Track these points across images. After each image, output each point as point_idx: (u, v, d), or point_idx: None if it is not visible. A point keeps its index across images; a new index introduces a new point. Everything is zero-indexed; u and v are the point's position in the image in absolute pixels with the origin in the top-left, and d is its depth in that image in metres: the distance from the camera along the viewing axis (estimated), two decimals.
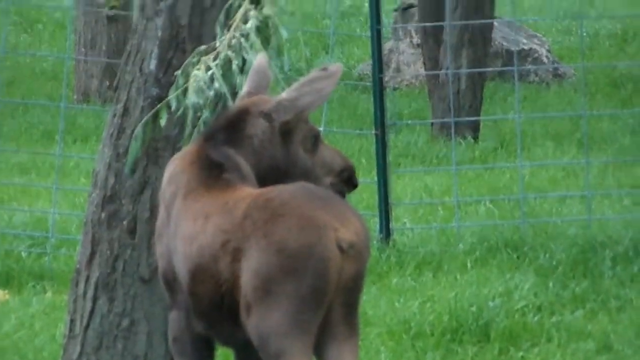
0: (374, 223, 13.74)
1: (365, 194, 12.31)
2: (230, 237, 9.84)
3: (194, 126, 10.13)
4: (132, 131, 11.51)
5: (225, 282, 9.96)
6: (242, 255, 9.66)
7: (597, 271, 17.45)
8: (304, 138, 10.59)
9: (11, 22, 40.40)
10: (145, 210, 10.56)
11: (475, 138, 30.73)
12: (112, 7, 24.07)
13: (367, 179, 12.75)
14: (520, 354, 15.00)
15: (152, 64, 11.07)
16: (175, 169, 10.40)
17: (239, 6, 10.42)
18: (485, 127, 31.94)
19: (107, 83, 24.38)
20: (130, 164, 11.40)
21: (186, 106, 10.14)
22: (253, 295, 9.55)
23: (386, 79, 20.72)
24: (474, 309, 15.55)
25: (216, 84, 10.02)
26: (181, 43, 10.88)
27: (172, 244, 10.31)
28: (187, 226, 10.13)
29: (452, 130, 25.94)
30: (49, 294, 12.85)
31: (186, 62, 10.78)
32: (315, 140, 10.59)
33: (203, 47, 11.17)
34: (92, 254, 11.11)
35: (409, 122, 30.85)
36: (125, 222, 10.99)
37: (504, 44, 40.73)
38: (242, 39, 9.98)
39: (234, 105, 10.05)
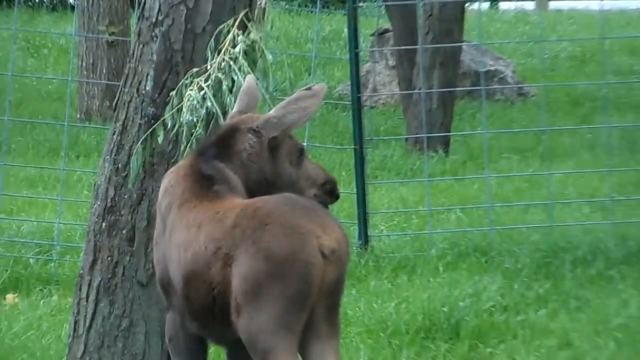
0: (354, 230, 13.86)
1: (346, 204, 12.43)
2: (221, 245, 10.22)
3: (187, 142, 10.39)
4: (130, 147, 11.96)
5: (217, 285, 10.31)
6: (232, 261, 10.06)
7: (559, 273, 17.46)
8: (289, 153, 10.84)
9: (19, 47, 42.12)
10: (142, 220, 10.70)
11: (447, 152, 31.16)
12: (111, 34, 23.97)
13: (347, 190, 12.77)
14: (489, 350, 14.94)
15: (148, 85, 11.20)
16: (170, 181, 10.78)
17: (228, 32, 11.03)
18: (456, 142, 32.44)
19: (107, 103, 24.69)
20: (133, 179, 11.96)
21: (181, 124, 10.43)
22: (243, 297, 9.87)
23: (364, 98, 20.92)
24: (445, 309, 15.44)
25: (208, 103, 10.36)
26: (175, 66, 10.92)
27: (168, 252, 10.73)
28: (181, 235, 10.52)
29: (425, 145, 26.62)
30: (55, 297, 13.03)
31: (180, 83, 11.27)
32: (300, 154, 10.79)
33: (195, 69, 11.61)
34: (94, 261, 11.24)
35: (385, 137, 31.22)
36: (124, 231, 11.11)
37: (472, 65, 41.27)
38: (231, 62, 10.35)
39: (224, 122, 10.03)
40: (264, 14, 10.68)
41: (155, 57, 11.13)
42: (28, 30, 47.76)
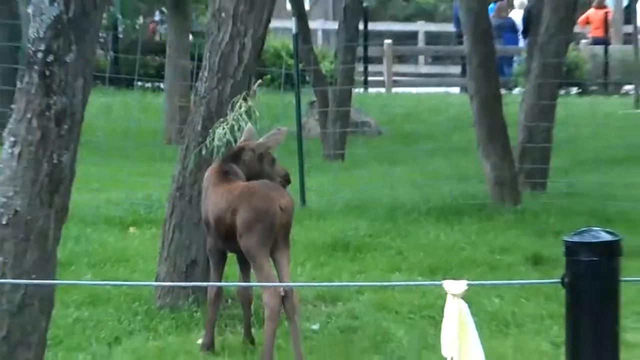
0: (297, 198, 14.07)
1: (294, 185, 12.50)
2: (231, 204, 11.05)
3: (216, 155, 10.97)
4: (190, 157, 12.02)
5: (229, 224, 11.02)
6: (237, 212, 10.93)
7: (396, 217, 15.63)
8: (267, 160, 11.42)
9: None
10: (195, 191, 11.49)
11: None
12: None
13: (294, 177, 12.92)
14: (369, 255, 14.18)
15: (198, 126, 11.88)
16: (209, 173, 11.54)
17: (237, 100, 11.23)
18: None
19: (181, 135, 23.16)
20: (191, 170, 11.90)
21: (213, 146, 10.92)
22: (242, 230, 10.84)
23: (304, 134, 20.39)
24: (342, 235, 13.47)
25: (228, 136, 10.94)
26: (211, 117, 11.64)
27: (207, 207, 11.51)
28: (213, 199, 11.37)
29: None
30: (153, 230, 13.27)
31: (214, 125, 11.28)
32: (272, 161, 11.53)
33: (222, 119, 11.48)
34: (172, 212, 11.99)
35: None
36: (186, 198, 11.86)
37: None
38: (240, 117, 10.95)
39: (236, 145, 10.84)
40: (254, 93, 11.33)
41: (202, 113, 11.75)
42: None
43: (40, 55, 6.82)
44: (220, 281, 11.23)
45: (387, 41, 33.55)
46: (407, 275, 12.32)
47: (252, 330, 10.81)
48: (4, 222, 6.81)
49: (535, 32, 18.76)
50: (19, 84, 6.96)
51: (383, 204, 15.16)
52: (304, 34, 22.69)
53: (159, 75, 26.80)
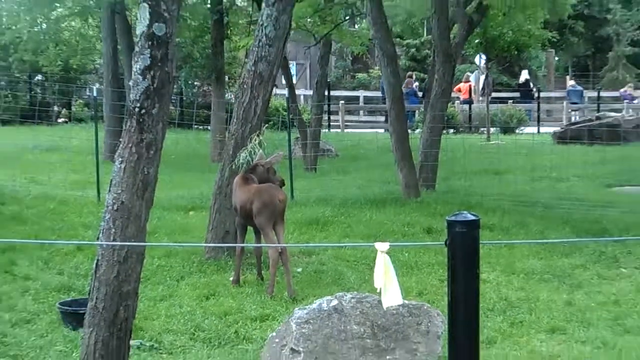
0: (289, 194, 13.40)
1: (287, 186, 11.97)
2: (250, 198, 10.65)
3: (241, 168, 10.65)
4: (226, 168, 11.50)
5: (249, 209, 10.62)
6: (253, 203, 10.53)
7: (349, 207, 14.43)
8: (271, 171, 10.99)
9: None
10: (228, 190, 11.13)
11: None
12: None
13: (288, 181, 12.33)
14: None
15: (230, 152, 11.56)
16: (236, 179, 11.07)
17: (253, 136, 10.92)
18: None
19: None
20: (226, 178, 11.39)
21: (239, 164, 10.60)
22: (256, 213, 10.47)
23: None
24: (319, 216, 13.27)
25: (248, 158, 10.64)
26: (238, 147, 11.32)
27: (235, 199, 11.00)
28: (239, 195, 10.90)
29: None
30: (203, 213, 12.55)
31: (239, 151, 10.93)
32: (274, 172, 11.11)
33: (244, 147, 10.91)
34: (214, 202, 11.56)
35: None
36: (223, 193, 11.47)
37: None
38: (255, 146, 10.63)
39: (252, 163, 10.60)
40: (263, 132, 10.99)
41: (232, 144, 11.37)
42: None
43: (137, 109, 6.82)
44: (243, 243, 11.00)
45: (342, 101, 33.46)
46: (353, 240, 12.20)
47: (262, 271, 10.65)
48: (115, 209, 6.79)
49: (429, 96, 18.67)
50: (124, 127, 6.99)
51: (339, 198, 14.84)
52: (292, 97, 22.37)
53: (207, 121, 26.46)
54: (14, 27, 29.92)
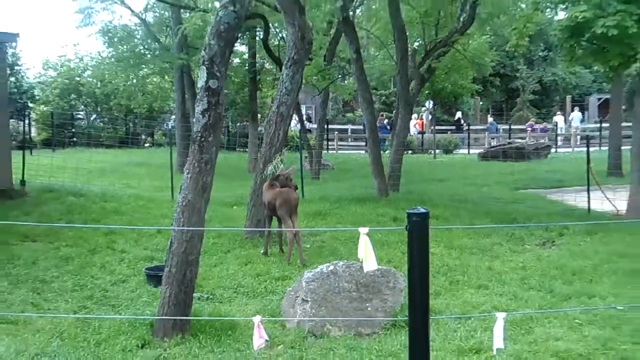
0: (301, 194, 12.79)
1: (300, 190, 11.35)
2: (275, 197, 10.15)
3: (269, 177, 10.36)
4: (258, 178, 11.09)
5: (273, 205, 10.12)
6: (276, 200, 10.08)
7: (340, 204, 14.39)
8: (289, 179, 10.40)
9: None
10: (260, 191, 10.77)
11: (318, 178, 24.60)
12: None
13: (300, 186, 11.79)
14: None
15: (261, 165, 11.17)
16: (265, 184, 10.59)
17: (277, 156, 10.63)
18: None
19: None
20: (258, 184, 10.89)
21: (267, 174, 10.35)
22: (278, 207, 10.02)
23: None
24: (322, 208, 13.19)
25: (273, 170, 10.37)
26: (267, 162, 11.05)
27: (264, 198, 10.48)
28: (267, 195, 10.40)
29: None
30: (242, 207, 11.79)
31: (267, 166, 10.57)
32: (291, 179, 10.47)
33: (270, 163, 10.57)
34: (250, 199, 11.11)
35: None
36: (256, 194, 11.06)
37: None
38: (277, 162, 10.36)
39: (276, 174, 10.27)
40: (284, 153, 10.58)
41: (262, 161, 11.08)
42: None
43: (198, 138, 6.78)
44: (269, 228, 10.52)
45: (336, 132, 33.25)
46: (344, 225, 11.95)
47: (282, 247, 10.38)
48: (184, 204, 6.74)
49: (394, 129, 18.24)
50: (190, 149, 6.93)
51: (334, 197, 14.47)
52: (303, 129, 22.07)
53: (245, 145, 25.89)
54: (113, 81, 31.04)
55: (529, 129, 35.45)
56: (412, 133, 32.14)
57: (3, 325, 6.52)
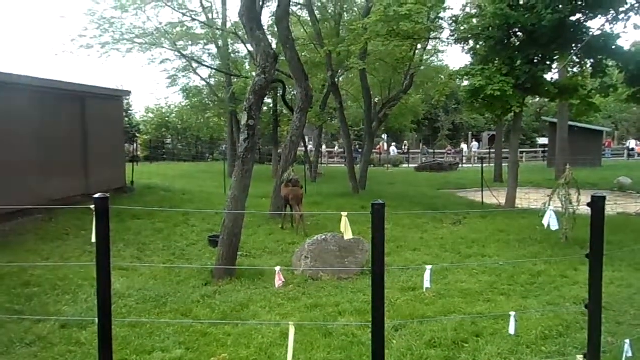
0: (305, 191, 12.27)
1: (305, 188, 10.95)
2: (288, 193, 9.77)
3: (285, 180, 9.97)
4: (278, 181, 10.62)
5: (287, 197, 9.73)
6: (289, 195, 9.74)
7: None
8: (297, 182, 9.87)
9: None
10: (279, 189, 10.57)
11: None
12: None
13: (305, 186, 11.03)
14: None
15: (280, 173, 10.68)
16: (282, 185, 10.00)
17: (290, 168, 10.26)
18: None
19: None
20: (278, 184, 10.39)
21: (284, 179, 9.92)
22: (290, 200, 9.68)
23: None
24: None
25: (287, 176, 10.00)
26: (285, 171, 10.96)
27: (282, 194, 9.97)
28: (283, 192, 9.96)
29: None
30: (268, 199, 11.48)
31: (284, 174, 10.20)
32: (298, 182, 9.93)
33: (286, 172, 10.23)
34: (273, 192, 10.67)
35: None
36: (277, 190, 10.57)
37: None
38: (290, 171, 10.06)
39: (289, 179, 9.77)
40: (294, 166, 10.34)
41: (281, 169, 10.79)
42: None
43: (241, 156, 6.75)
44: (285, 212, 10.04)
45: (327, 152, 33.11)
46: (332, 211, 11.53)
47: (293, 224, 9.92)
48: (232, 197, 6.72)
49: (363, 152, 18.17)
50: (236, 164, 6.91)
51: (325, 193, 14.20)
52: (306, 150, 22.06)
53: (270, 160, 25.23)
54: (188, 120, 30.62)
55: (448, 152, 35.12)
56: (374, 155, 31.84)
57: (119, 271, 6.48)
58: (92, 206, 2.26)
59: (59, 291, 5.61)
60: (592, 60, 11.41)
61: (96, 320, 2.30)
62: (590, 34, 10.81)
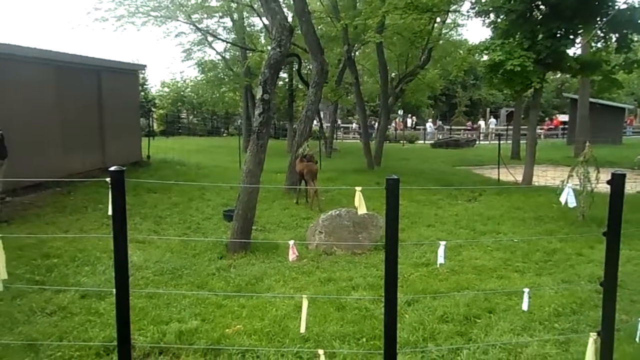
0: (320, 167, 12.33)
1: (320, 163, 10.95)
2: (304, 168, 9.75)
3: (300, 155, 9.99)
4: (294, 156, 10.63)
5: (302, 172, 9.75)
6: (304, 170, 9.74)
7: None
8: (312, 157, 9.89)
9: None
10: (294, 163, 10.59)
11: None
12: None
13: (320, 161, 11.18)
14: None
15: (294, 148, 10.55)
16: (297, 160, 10.02)
17: (306, 142, 10.25)
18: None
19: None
20: (293, 159, 10.36)
21: (299, 154, 9.94)
22: (305, 174, 9.67)
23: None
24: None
25: (302, 151, 9.96)
26: (300, 146, 10.83)
27: (297, 169, 9.95)
28: (298, 166, 9.94)
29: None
30: (283, 174, 11.70)
31: (299, 149, 10.26)
32: (313, 157, 9.94)
33: (302, 146, 10.23)
34: (288, 168, 10.74)
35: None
36: (292, 165, 10.46)
37: None
38: (305, 146, 10.06)
39: (304, 154, 9.80)
40: (309, 140, 10.30)
41: (296, 144, 10.76)
42: None
43: (256, 130, 6.73)
44: (299, 186, 10.02)
45: (342, 128, 32.98)
46: (346, 186, 11.46)
47: (308, 199, 9.90)
48: (247, 171, 6.70)
49: (380, 127, 18.18)
50: (251, 137, 6.90)
51: (340, 169, 14.21)
52: (321, 125, 22.07)
53: (285, 135, 25.50)
54: (204, 95, 30.76)
55: (468, 128, 34.56)
56: (390, 130, 31.61)
57: (136, 244, 6.55)
58: (108, 179, 2.23)
59: (78, 262, 5.68)
60: (617, 35, 11.07)
61: (114, 291, 2.33)
62: (617, 7, 10.51)
